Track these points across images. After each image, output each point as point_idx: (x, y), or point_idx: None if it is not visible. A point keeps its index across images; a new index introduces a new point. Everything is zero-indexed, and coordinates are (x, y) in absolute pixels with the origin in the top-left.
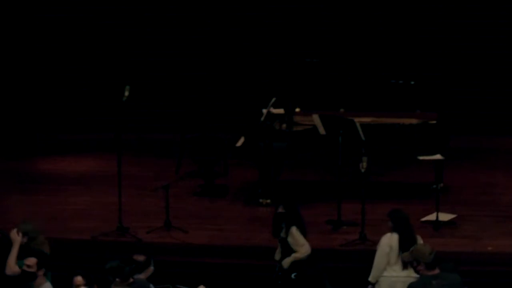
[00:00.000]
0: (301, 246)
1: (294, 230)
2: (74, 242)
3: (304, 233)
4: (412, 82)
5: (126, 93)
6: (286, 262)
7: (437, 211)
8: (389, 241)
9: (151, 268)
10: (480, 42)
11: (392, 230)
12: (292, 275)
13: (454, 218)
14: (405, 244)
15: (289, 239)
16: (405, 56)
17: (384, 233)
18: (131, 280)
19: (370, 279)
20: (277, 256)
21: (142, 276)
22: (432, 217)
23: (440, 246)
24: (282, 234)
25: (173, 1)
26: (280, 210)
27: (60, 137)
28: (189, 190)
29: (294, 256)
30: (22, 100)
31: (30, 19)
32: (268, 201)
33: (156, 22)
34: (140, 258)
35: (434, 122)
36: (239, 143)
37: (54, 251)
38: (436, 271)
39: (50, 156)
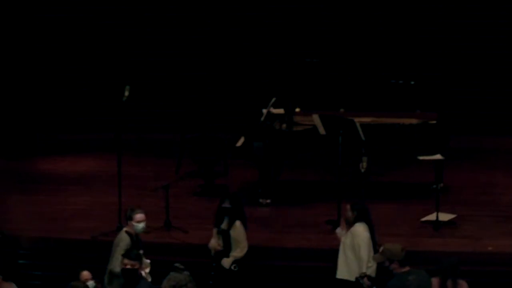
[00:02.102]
0: (241, 242)
1: (239, 224)
2: (74, 242)
3: (245, 228)
4: (412, 82)
5: (126, 93)
6: (227, 262)
7: (437, 211)
8: (364, 229)
9: (133, 223)
10: (480, 42)
11: (357, 221)
12: (232, 266)
13: (454, 218)
14: (372, 233)
15: (232, 232)
16: (405, 56)
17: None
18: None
19: (364, 270)
20: (214, 245)
21: (130, 230)
22: (432, 217)
23: (440, 246)
24: (224, 226)
25: (173, 1)
26: (226, 204)
27: (60, 137)
28: (189, 190)
29: (233, 255)
30: (22, 100)
31: (30, 19)
32: (268, 201)
33: (156, 22)
34: (129, 210)
35: (434, 122)
36: (239, 143)
37: (54, 251)
38: (407, 267)
39: (50, 156)
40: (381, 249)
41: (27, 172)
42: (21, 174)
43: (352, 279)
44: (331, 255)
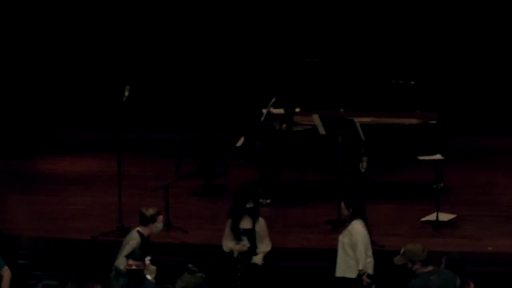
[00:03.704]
0: (266, 237)
1: (262, 220)
2: (74, 242)
3: None
4: (412, 82)
5: (126, 93)
6: (259, 258)
7: (437, 211)
8: (362, 226)
9: (157, 225)
10: (480, 42)
11: (353, 218)
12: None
13: (454, 218)
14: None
15: (258, 229)
16: (405, 56)
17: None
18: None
19: (361, 267)
20: (237, 247)
21: (143, 231)
22: (432, 217)
23: (440, 246)
24: (246, 226)
25: (173, 1)
26: (250, 204)
27: (60, 137)
28: (189, 190)
29: (262, 251)
30: (22, 100)
31: (30, 19)
32: (268, 201)
33: (156, 22)
34: (149, 211)
35: (434, 122)
36: (239, 143)
37: (54, 251)
38: (430, 267)
39: (50, 156)
40: (402, 250)
41: (27, 172)
42: (21, 174)
43: (353, 275)
44: (331, 255)
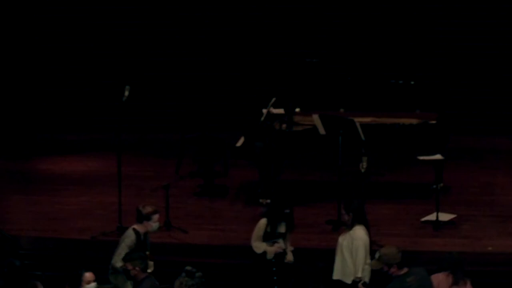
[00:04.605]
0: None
1: None
2: (74, 242)
3: None
4: (412, 82)
5: (126, 93)
6: (291, 256)
7: (437, 211)
8: (364, 233)
9: (152, 224)
10: (480, 42)
11: (355, 222)
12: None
13: (454, 218)
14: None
15: (289, 234)
16: (405, 56)
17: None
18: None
19: (359, 274)
20: (272, 249)
21: (139, 229)
22: (432, 217)
23: (440, 246)
24: (282, 230)
25: (173, 1)
26: (287, 210)
27: (60, 137)
28: (189, 190)
29: (290, 249)
30: (22, 100)
31: (30, 19)
32: (268, 201)
33: (156, 22)
34: (145, 209)
35: (434, 122)
36: (239, 143)
37: (54, 251)
38: (406, 268)
39: (50, 156)
40: (377, 255)
41: (27, 172)
42: (21, 174)
43: (348, 281)
44: (331, 255)
